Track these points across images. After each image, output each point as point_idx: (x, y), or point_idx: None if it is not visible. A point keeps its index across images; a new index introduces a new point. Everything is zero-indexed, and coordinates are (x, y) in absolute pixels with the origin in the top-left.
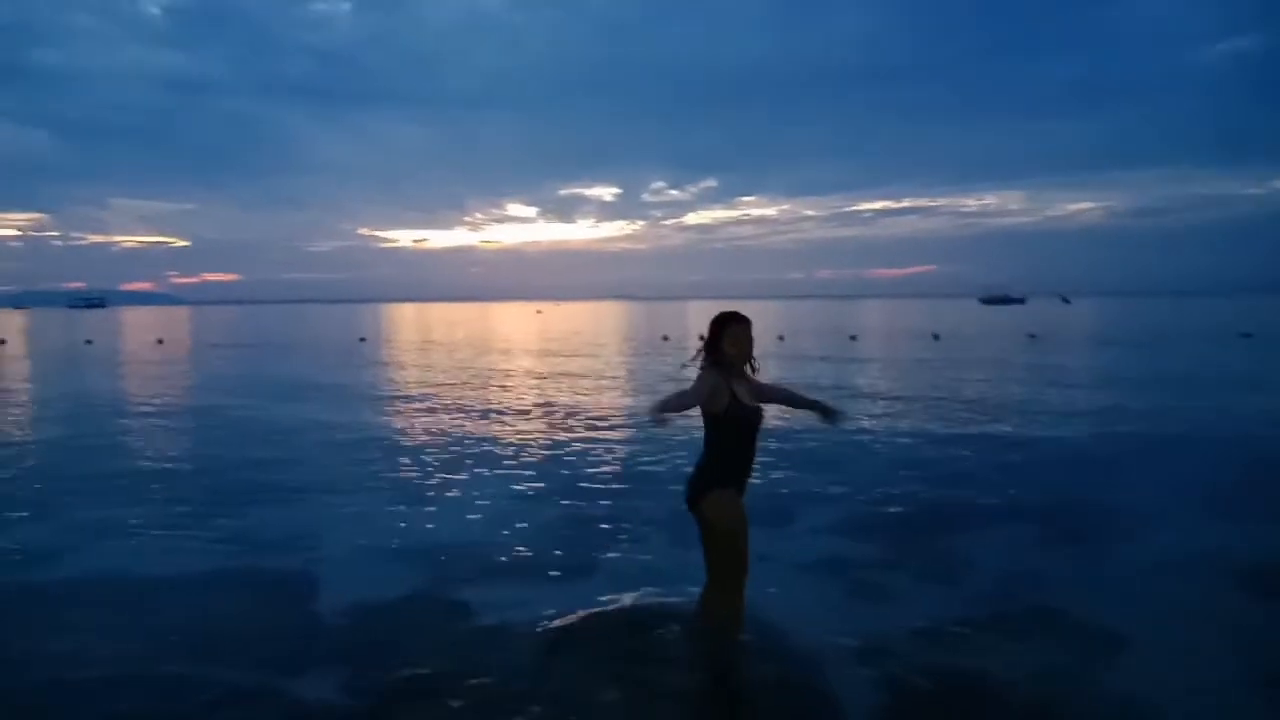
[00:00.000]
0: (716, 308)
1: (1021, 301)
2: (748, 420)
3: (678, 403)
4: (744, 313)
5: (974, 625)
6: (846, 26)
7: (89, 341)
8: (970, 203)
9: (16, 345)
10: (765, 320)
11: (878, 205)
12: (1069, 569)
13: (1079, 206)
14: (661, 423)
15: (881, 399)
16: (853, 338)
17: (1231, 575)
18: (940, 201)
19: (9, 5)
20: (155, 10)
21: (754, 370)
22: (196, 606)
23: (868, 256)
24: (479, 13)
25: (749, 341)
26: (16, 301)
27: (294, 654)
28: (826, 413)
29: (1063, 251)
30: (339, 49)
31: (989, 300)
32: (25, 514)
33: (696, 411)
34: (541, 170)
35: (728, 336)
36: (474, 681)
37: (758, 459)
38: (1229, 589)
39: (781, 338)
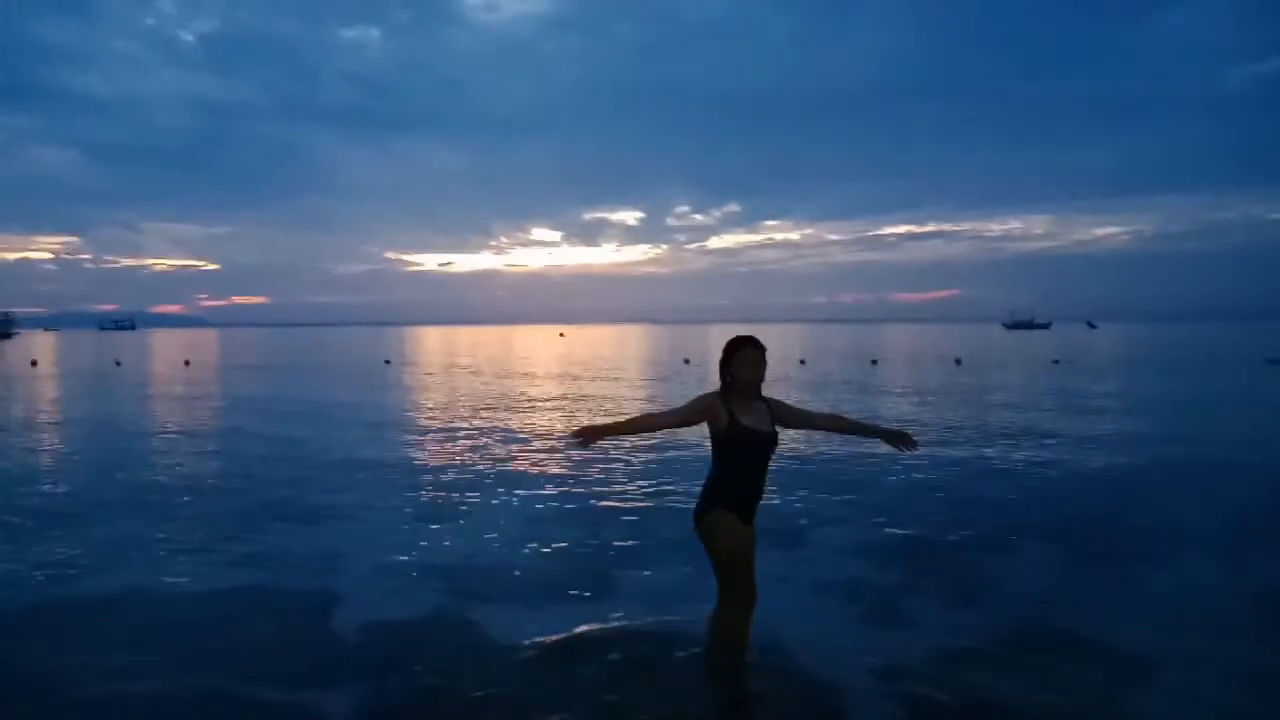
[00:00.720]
0: (739, 331)
1: (1046, 327)
2: (749, 442)
3: (654, 422)
4: (759, 338)
5: (994, 648)
6: (871, 50)
7: (118, 363)
8: (995, 227)
9: (47, 366)
10: (788, 344)
11: (901, 229)
12: (1092, 592)
13: (1106, 231)
14: (582, 445)
15: (900, 422)
16: (874, 362)
17: (1259, 600)
18: (965, 225)
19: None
20: (190, 37)
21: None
22: (221, 623)
23: (891, 281)
24: (508, 39)
25: (759, 365)
26: (48, 323)
27: (315, 669)
28: (890, 438)
29: (1089, 276)
30: (370, 74)
31: (1013, 325)
32: (57, 531)
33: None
34: (566, 194)
35: (737, 360)
36: (483, 696)
37: (769, 484)
38: (1256, 614)
39: (803, 361)
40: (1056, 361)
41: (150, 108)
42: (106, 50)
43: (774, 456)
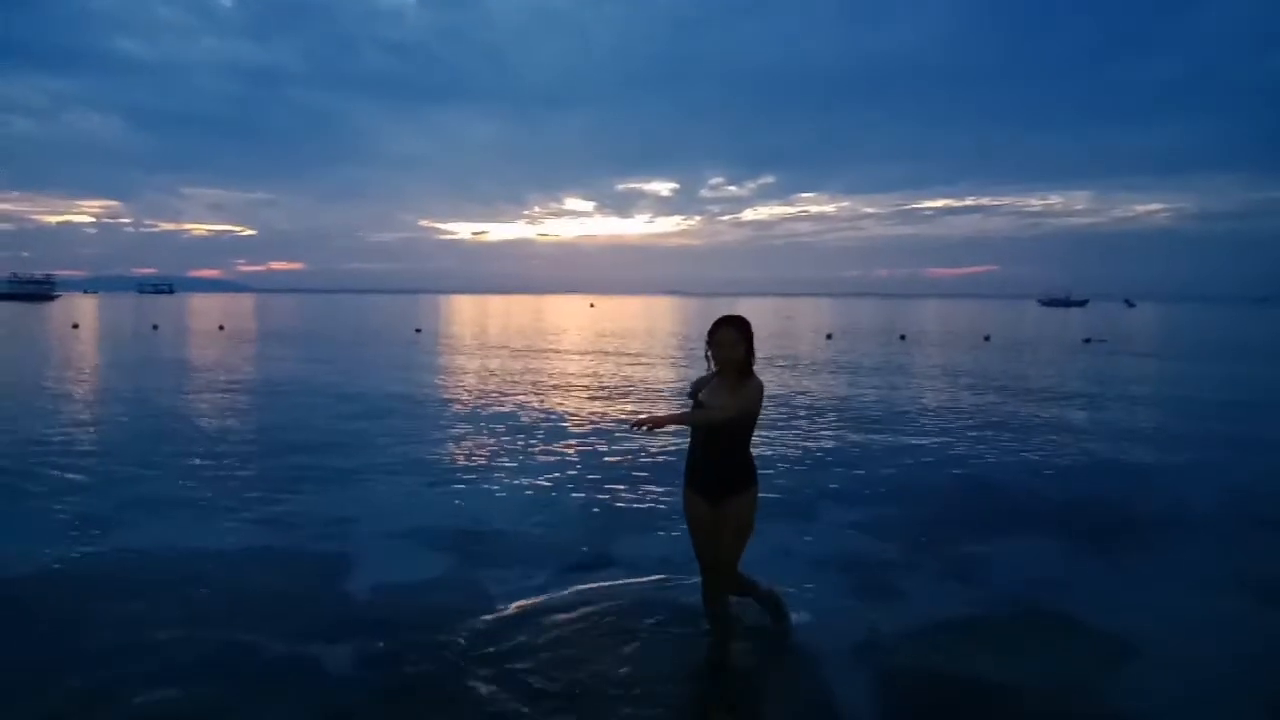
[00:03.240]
0: (771, 305)
1: (1083, 304)
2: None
3: (711, 418)
4: (741, 314)
5: (979, 625)
6: (915, 26)
7: (155, 326)
8: (1034, 202)
9: (88, 329)
10: (818, 318)
11: (939, 203)
12: (1087, 576)
13: (1148, 208)
14: (646, 432)
15: (919, 400)
16: (902, 337)
17: (1256, 590)
18: (1004, 200)
19: None
20: (228, 2)
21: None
22: (236, 579)
23: (928, 255)
24: (546, 9)
25: (735, 345)
26: (89, 286)
27: (319, 625)
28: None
29: (1129, 254)
30: (407, 43)
31: (1049, 302)
32: (86, 488)
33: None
34: (600, 164)
35: (715, 341)
36: (476, 655)
37: (722, 461)
38: (1251, 604)
39: (830, 336)
40: (1088, 340)
41: (190, 73)
42: (149, 15)
43: (732, 433)
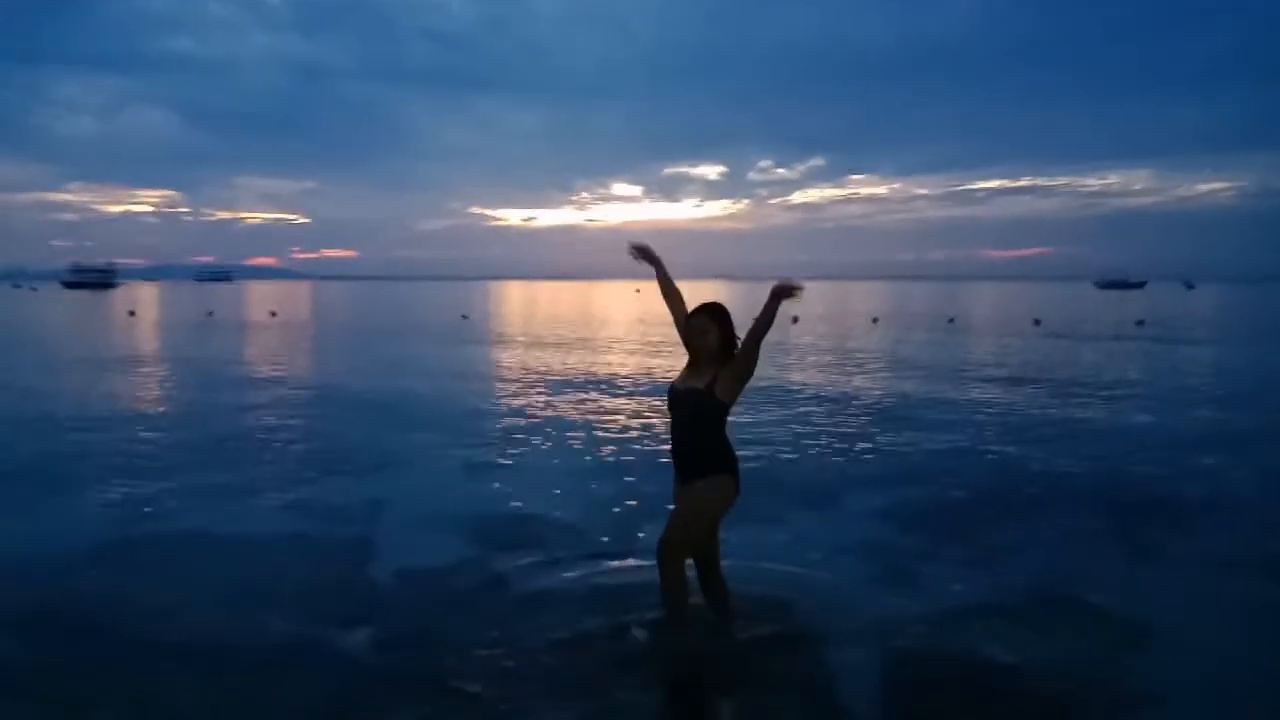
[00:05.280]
0: (821, 289)
1: (1141, 286)
2: (669, 402)
3: (672, 297)
4: (720, 303)
5: (997, 611)
6: (967, 6)
7: (210, 313)
8: (1092, 182)
9: (145, 316)
10: (867, 302)
11: (994, 184)
12: (1112, 563)
13: (1210, 187)
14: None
15: (955, 385)
16: (950, 320)
17: None
18: (1060, 181)
19: None
20: None
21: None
22: (265, 564)
23: (982, 237)
24: None
25: (705, 332)
26: (149, 274)
27: (343, 609)
28: (777, 296)
29: (1190, 234)
30: (454, 35)
31: (1105, 285)
32: (127, 476)
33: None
34: (647, 150)
35: (688, 329)
36: (492, 645)
37: (691, 443)
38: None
39: (876, 320)
40: (1141, 323)
41: (242, 69)
42: (201, 14)
43: (700, 415)
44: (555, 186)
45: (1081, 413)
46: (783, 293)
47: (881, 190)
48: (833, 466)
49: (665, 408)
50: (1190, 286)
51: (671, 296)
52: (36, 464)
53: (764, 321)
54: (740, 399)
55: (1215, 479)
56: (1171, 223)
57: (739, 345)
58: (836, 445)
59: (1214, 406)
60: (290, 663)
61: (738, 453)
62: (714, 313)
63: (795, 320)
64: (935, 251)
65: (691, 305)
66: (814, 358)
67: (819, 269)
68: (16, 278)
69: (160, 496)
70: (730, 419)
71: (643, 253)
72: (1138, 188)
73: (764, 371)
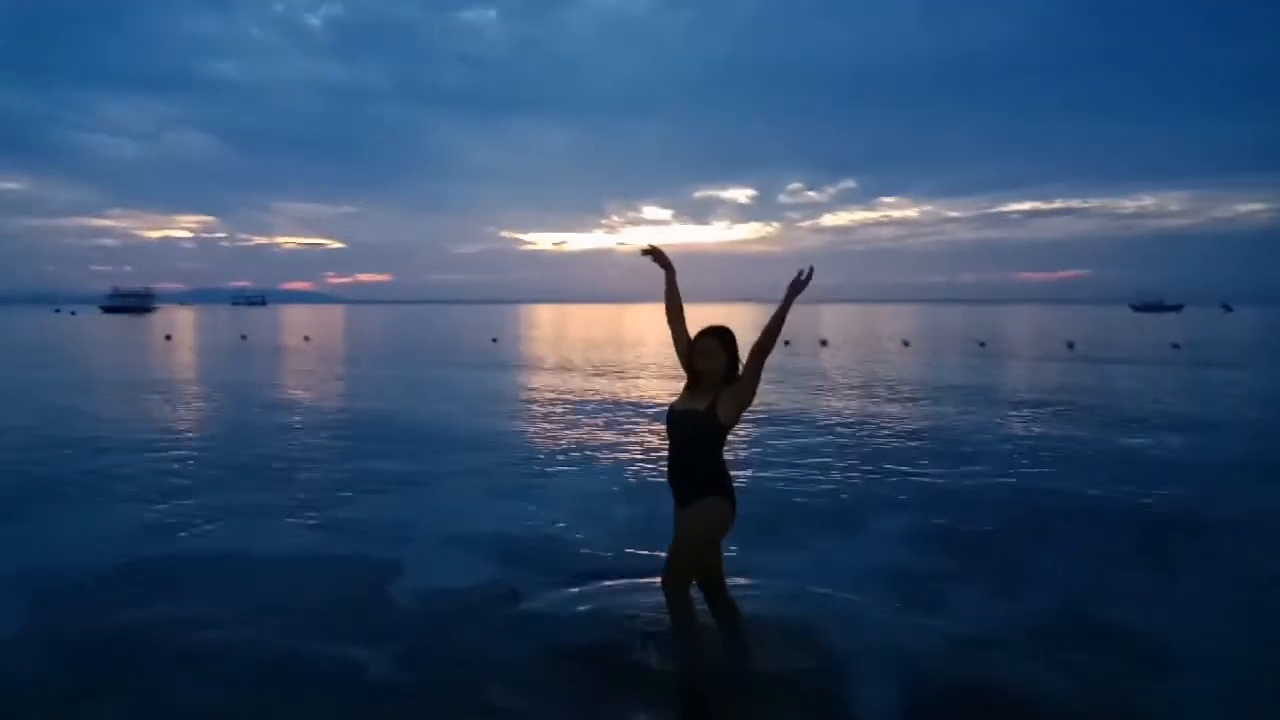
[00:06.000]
0: (850, 312)
1: (1178, 309)
2: (668, 423)
3: (674, 311)
4: (724, 325)
5: (1018, 636)
6: (998, 26)
7: (244, 337)
8: (1127, 204)
9: (181, 340)
10: (897, 325)
11: (1026, 206)
12: (1139, 587)
13: (1248, 208)
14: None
15: (983, 409)
16: (981, 344)
17: None
18: (1094, 203)
19: (188, 19)
20: (317, 21)
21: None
22: (289, 584)
23: (1015, 260)
24: (621, 18)
25: (714, 355)
26: (186, 299)
27: (364, 629)
28: (795, 290)
29: (1228, 255)
30: (488, 57)
31: (1141, 307)
32: (155, 495)
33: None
34: (678, 172)
35: (696, 350)
36: (507, 661)
37: (686, 466)
38: None
39: (906, 343)
40: (1176, 346)
41: (281, 92)
42: (243, 38)
43: (699, 437)
44: (586, 209)
45: (1113, 438)
46: (799, 285)
47: (912, 213)
48: (860, 490)
49: (665, 428)
50: (1228, 309)
51: (675, 313)
52: (78, 481)
53: (779, 318)
54: (739, 422)
55: (1249, 505)
56: (1209, 244)
57: (741, 369)
58: (864, 469)
59: (1249, 432)
60: (312, 677)
61: (762, 475)
62: (722, 336)
63: (824, 344)
64: (967, 274)
65: (709, 325)
66: (843, 379)
67: (849, 292)
68: (56, 303)
69: (194, 515)
70: (730, 438)
71: (656, 255)
72: (1174, 209)
73: (792, 395)
